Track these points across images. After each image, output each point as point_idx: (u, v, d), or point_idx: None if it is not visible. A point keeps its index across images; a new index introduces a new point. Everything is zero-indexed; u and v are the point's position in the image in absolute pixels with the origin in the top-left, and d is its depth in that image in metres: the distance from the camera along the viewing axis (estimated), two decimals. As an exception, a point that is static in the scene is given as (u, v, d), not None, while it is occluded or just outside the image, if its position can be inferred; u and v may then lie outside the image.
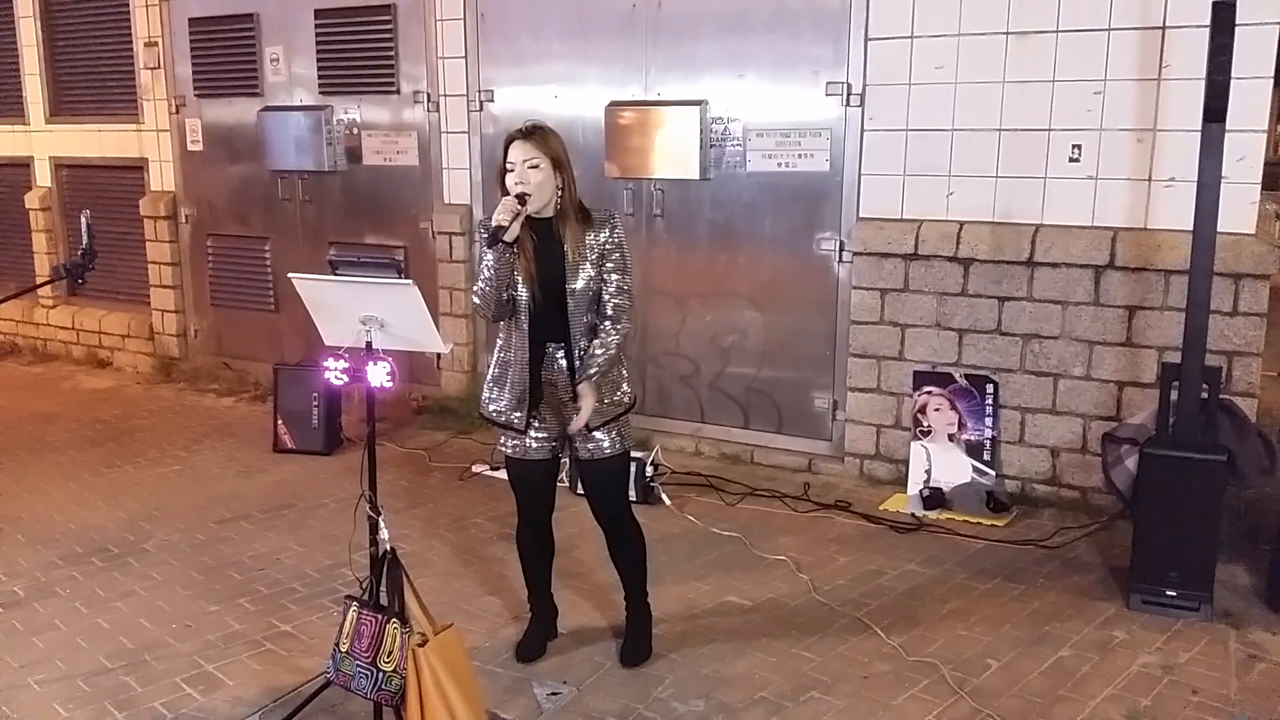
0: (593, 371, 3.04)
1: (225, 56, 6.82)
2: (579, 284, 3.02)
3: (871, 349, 4.98)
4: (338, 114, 6.43)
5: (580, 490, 4.09)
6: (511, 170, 2.98)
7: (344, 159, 6.46)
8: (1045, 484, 4.70)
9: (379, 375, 2.89)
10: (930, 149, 4.73)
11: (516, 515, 3.33)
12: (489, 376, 3.19)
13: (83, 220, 3.62)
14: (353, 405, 5.80)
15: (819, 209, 5.08)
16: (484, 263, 2.98)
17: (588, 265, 3.03)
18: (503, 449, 3.22)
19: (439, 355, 6.13)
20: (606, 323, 3.07)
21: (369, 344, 2.91)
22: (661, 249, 5.49)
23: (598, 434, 3.12)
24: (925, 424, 4.86)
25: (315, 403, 5.64)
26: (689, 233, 5.44)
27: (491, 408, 3.17)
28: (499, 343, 3.14)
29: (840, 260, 5.06)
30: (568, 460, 3.26)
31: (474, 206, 6.09)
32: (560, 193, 3.02)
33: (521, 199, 2.93)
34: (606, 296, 3.06)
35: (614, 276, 3.07)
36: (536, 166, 2.96)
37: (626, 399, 3.18)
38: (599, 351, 3.06)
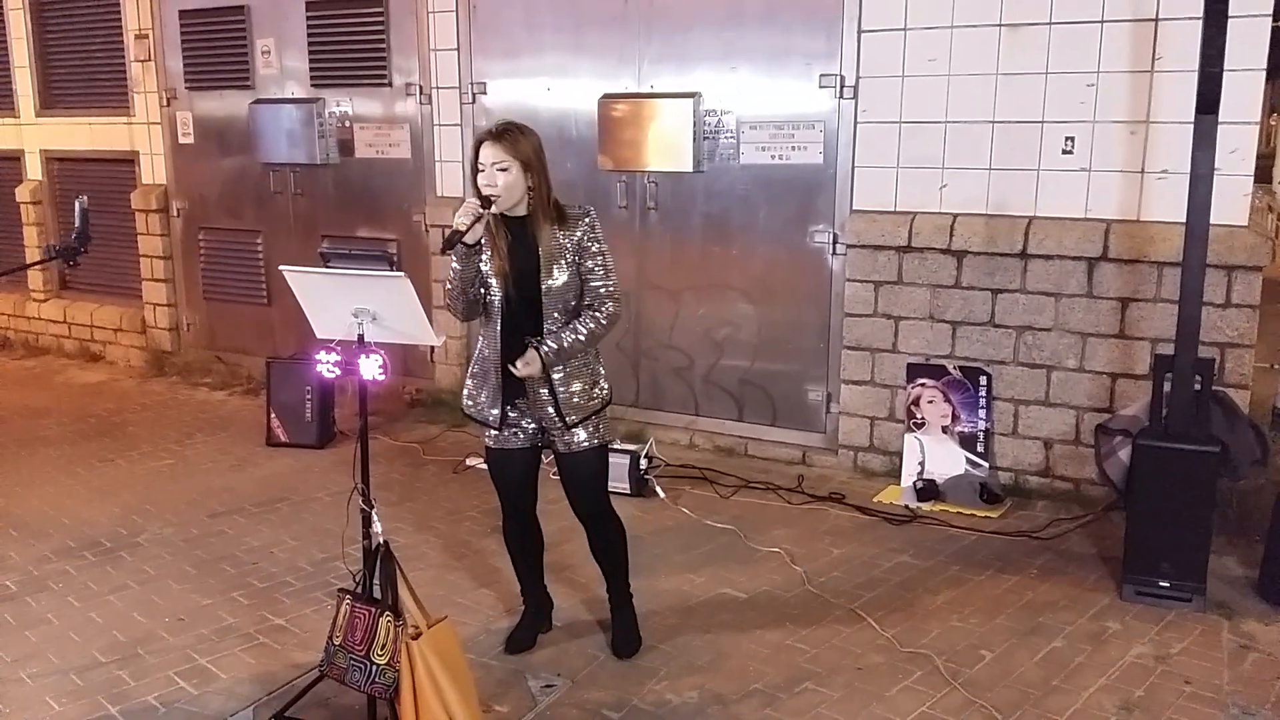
0: (551, 344, 3.01)
1: (216, 49, 6.79)
2: (553, 281, 3.01)
3: (865, 341, 4.98)
4: (329, 106, 6.41)
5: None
6: (482, 171, 2.97)
7: (336, 152, 6.44)
8: (1038, 475, 4.71)
9: (371, 368, 2.89)
10: (923, 141, 4.72)
11: (501, 511, 3.32)
12: (469, 373, 3.21)
13: (77, 205, 3.60)
14: (345, 398, 5.79)
15: (812, 201, 5.07)
16: (451, 266, 3.01)
17: (563, 263, 3.02)
18: (485, 440, 3.23)
19: (431, 348, 6.12)
20: (593, 296, 3.07)
21: (361, 337, 2.90)
22: (655, 242, 5.48)
23: (576, 430, 3.11)
24: (919, 416, 4.86)
25: (308, 396, 5.63)
26: (682, 226, 5.43)
27: (470, 403, 3.20)
28: (479, 341, 3.16)
29: (834, 253, 5.06)
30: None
31: (467, 199, 6.03)
32: (531, 193, 3.00)
33: (486, 202, 2.93)
34: (590, 278, 3.06)
35: (595, 271, 3.06)
36: (505, 169, 2.96)
37: (603, 393, 3.17)
38: (568, 332, 3.03)
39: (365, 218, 6.45)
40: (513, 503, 3.27)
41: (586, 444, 3.14)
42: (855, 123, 4.87)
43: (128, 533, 4.54)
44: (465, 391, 3.21)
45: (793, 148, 5.07)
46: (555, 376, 3.07)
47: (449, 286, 3.03)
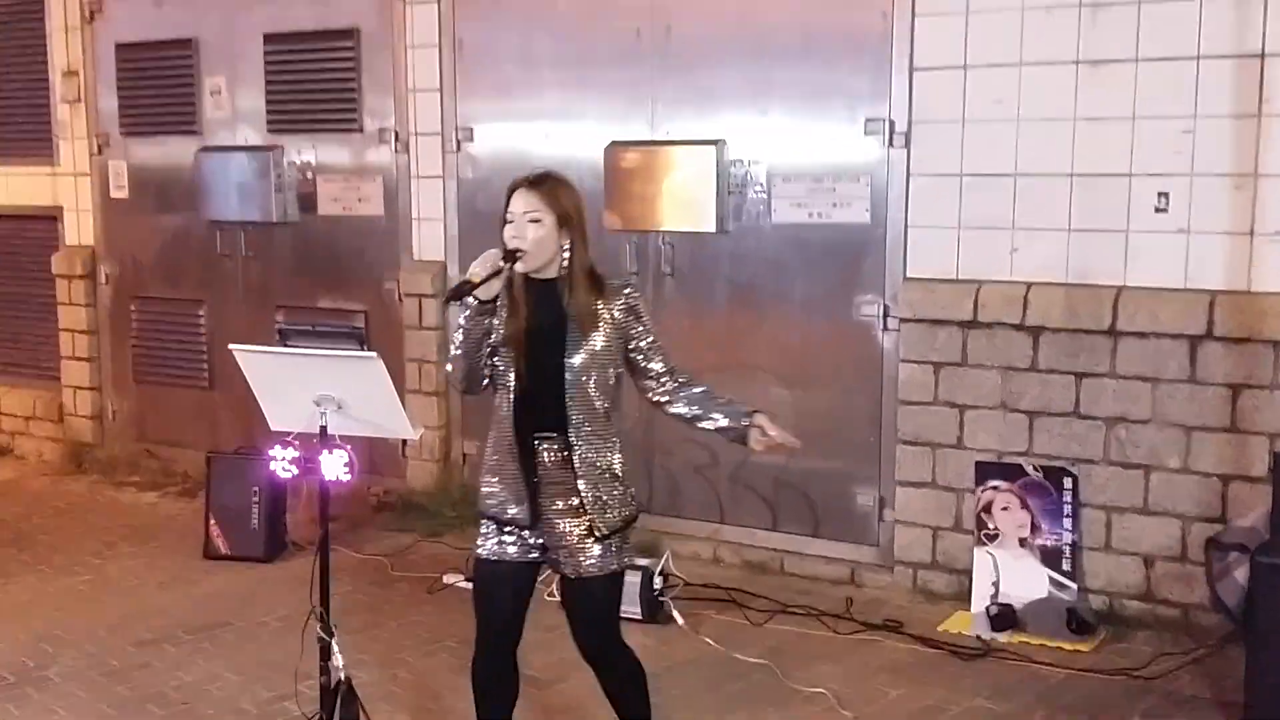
0: (722, 400, 3.15)
1: (158, 88, 6.94)
2: (579, 358, 3.03)
3: (924, 435, 4.97)
4: (289, 155, 6.50)
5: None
6: (511, 222, 3.03)
7: (295, 208, 6.52)
8: (1138, 600, 4.64)
9: (335, 467, 2.89)
10: (989, 197, 4.77)
11: (475, 638, 3.22)
12: (485, 464, 3.18)
13: None
14: (301, 502, 5.78)
15: (858, 267, 5.11)
16: (457, 323, 3.04)
17: (595, 339, 3.05)
18: (476, 548, 3.18)
19: (404, 441, 6.10)
20: (667, 377, 3.16)
21: (324, 429, 2.91)
22: (671, 314, 5.48)
23: (590, 546, 3.08)
24: (991, 526, 4.83)
25: (256, 499, 5.62)
26: (704, 295, 5.47)
27: (489, 501, 3.15)
28: (490, 437, 3.16)
29: (884, 328, 5.08)
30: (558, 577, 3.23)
31: (449, 264, 6.14)
32: (566, 254, 3.05)
33: (511, 255, 2.98)
34: (646, 361, 3.14)
35: (650, 353, 3.14)
36: (538, 221, 3.01)
37: (631, 507, 3.15)
38: (704, 388, 3.17)
39: (329, 286, 6.50)
40: (495, 633, 3.17)
41: (601, 567, 3.09)
42: (908, 175, 4.92)
43: (35, 665, 4.50)
44: (483, 488, 3.17)
45: (834, 204, 5.11)
46: (582, 459, 3.06)
47: (454, 348, 3.07)
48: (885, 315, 5.07)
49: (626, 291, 3.12)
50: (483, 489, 3.16)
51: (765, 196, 5.26)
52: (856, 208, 5.06)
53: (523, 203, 3.03)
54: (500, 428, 3.10)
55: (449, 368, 3.11)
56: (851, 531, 5.23)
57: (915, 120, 4.89)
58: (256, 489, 5.61)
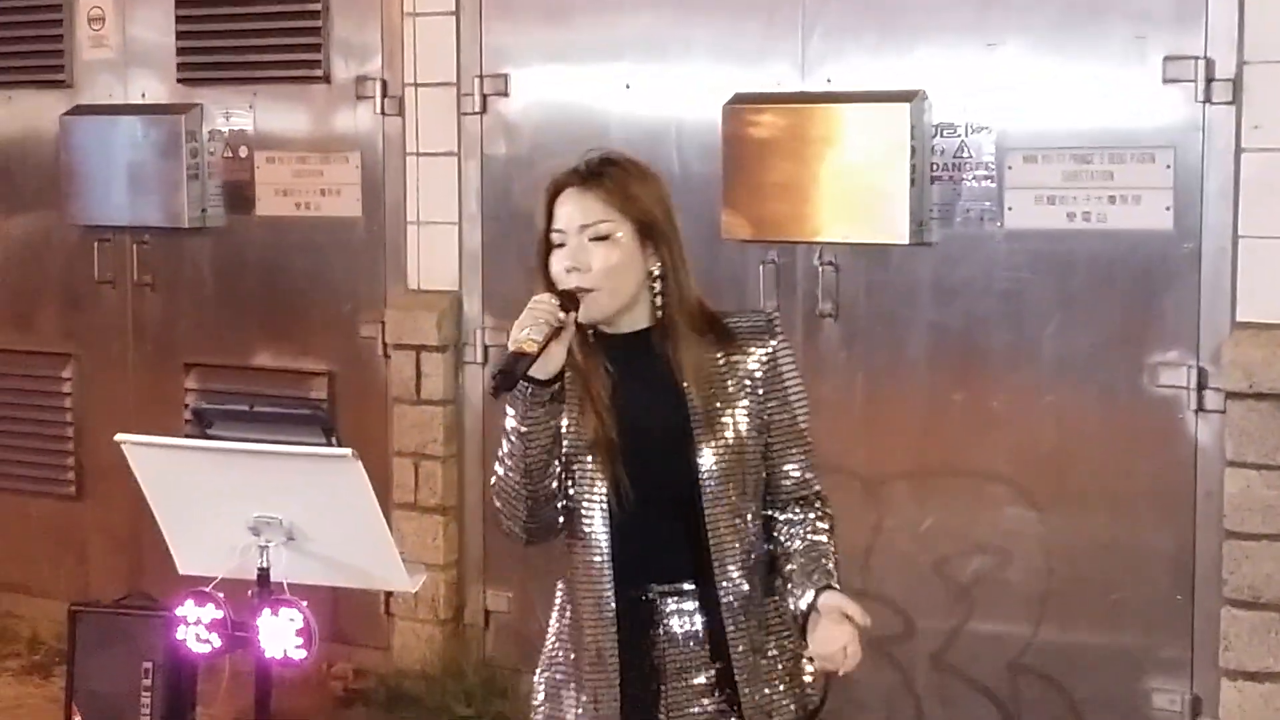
0: (831, 567, 3.07)
1: (6, 20, 7.00)
2: (720, 449, 3.07)
3: (1269, 591, 4.87)
4: (211, 120, 6.55)
5: None
6: (561, 245, 3.04)
7: (220, 204, 6.56)
8: None
9: (281, 635, 3.00)
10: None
11: None
12: (545, 653, 3.26)
13: None
14: (222, 691, 5.69)
15: (1152, 305, 5.13)
16: (506, 425, 3.05)
17: (733, 415, 3.08)
18: None
19: (388, 595, 6.10)
20: (797, 509, 3.14)
21: (264, 574, 3.01)
22: (833, 379, 5.47)
23: None
24: (1389, 749, 4.62)
25: (148, 684, 5.53)
26: (888, 348, 5.49)
27: (557, 699, 3.23)
28: (559, 590, 3.23)
29: (1199, 408, 5.05)
30: None
31: (465, 296, 6.14)
32: (658, 284, 3.07)
33: (569, 302, 2.98)
34: (780, 451, 3.13)
35: (785, 414, 3.13)
36: (606, 238, 3.03)
37: (813, 695, 3.21)
38: (819, 538, 3.10)
39: (274, 333, 6.53)
40: None
41: None
42: (1237, 150, 4.93)
43: None
44: (535, 700, 3.26)
45: (1111, 198, 5.11)
46: (741, 660, 3.09)
47: (501, 470, 3.09)
48: (1200, 386, 5.05)
49: (769, 337, 3.14)
50: (540, 677, 3.25)
51: (993, 186, 5.26)
52: (1150, 205, 5.05)
53: (578, 211, 3.04)
54: (582, 590, 3.14)
55: (496, 503, 3.13)
56: (1143, 754, 5.10)
57: (1248, 60, 4.88)
58: (149, 666, 5.53)
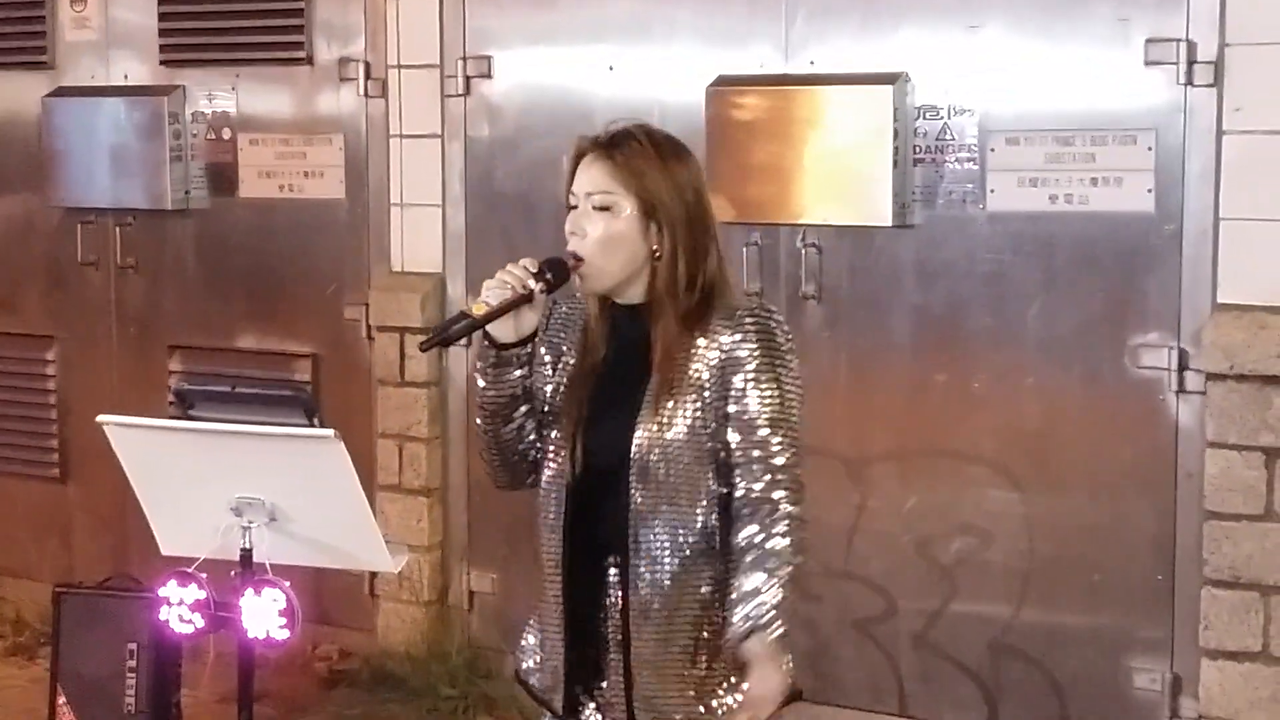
0: (764, 621, 2.96)
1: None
2: (646, 435, 3.06)
3: (1249, 571, 4.87)
4: (195, 101, 6.55)
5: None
6: (574, 207, 3.11)
7: (204, 187, 6.57)
8: None
9: (264, 615, 2.99)
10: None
11: None
12: (535, 612, 3.29)
13: None
14: (206, 671, 5.69)
15: (1133, 287, 5.14)
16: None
17: (682, 403, 3.07)
18: None
19: (373, 575, 6.12)
20: (748, 522, 3.02)
21: (247, 554, 3.01)
22: (818, 363, 5.39)
23: None
24: (1367, 727, 4.64)
25: (132, 664, 5.53)
26: (872, 331, 5.51)
27: (525, 665, 3.30)
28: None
29: (1180, 389, 5.06)
30: None
31: (449, 280, 6.16)
32: (654, 260, 3.08)
33: (559, 270, 3.03)
34: (742, 465, 3.05)
35: (758, 421, 3.05)
36: (607, 209, 3.05)
37: (728, 701, 3.16)
38: (758, 583, 2.97)
39: (257, 315, 6.54)
40: None
41: None
42: (1218, 132, 4.92)
43: None
44: (522, 643, 3.29)
45: (1093, 180, 5.13)
46: (642, 646, 3.07)
47: (479, 422, 3.20)
48: (1181, 368, 5.06)
49: (751, 320, 3.10)
50: (520, 654, 3.30)
51: (976, 168, 5.27)
52: (1131, 187, 5.06)
53: (586, 178, 3.07)
54: (545, 550, 3.18)
55: (482, 453, 3.25)
56: (1124, 731, 5.11)
57: (1229, 43, 4.87)
58: (134, 647, 5.52)
